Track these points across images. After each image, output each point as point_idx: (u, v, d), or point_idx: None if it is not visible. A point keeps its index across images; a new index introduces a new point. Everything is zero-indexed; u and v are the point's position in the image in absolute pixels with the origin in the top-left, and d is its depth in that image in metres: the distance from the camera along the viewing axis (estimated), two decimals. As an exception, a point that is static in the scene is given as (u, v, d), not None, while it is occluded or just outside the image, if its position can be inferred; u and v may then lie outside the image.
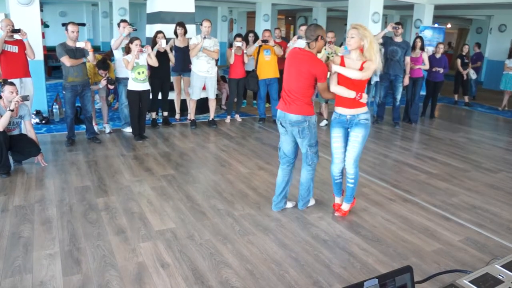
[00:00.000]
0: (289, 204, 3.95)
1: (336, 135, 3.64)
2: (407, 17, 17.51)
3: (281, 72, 6.80)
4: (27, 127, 4.88)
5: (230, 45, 7.58)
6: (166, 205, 3.92)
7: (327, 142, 6.33)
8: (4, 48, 5.46)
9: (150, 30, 7.52)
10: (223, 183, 4.51)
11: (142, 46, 5.72)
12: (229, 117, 7.41)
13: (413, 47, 7.43)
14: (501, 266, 1.37)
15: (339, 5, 14.00)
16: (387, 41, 7.03)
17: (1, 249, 3.07)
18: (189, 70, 6.75)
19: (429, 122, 8.08)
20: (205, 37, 6.39)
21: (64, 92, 5.58)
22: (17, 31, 5.41)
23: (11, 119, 4.63)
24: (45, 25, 13.49)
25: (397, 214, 3.89)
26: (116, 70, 6.31)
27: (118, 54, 6.20)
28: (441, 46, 8.20)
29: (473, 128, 7.99)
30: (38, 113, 6.76)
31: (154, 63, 5.95)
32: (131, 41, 5.67)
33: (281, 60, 7.19)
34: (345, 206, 3.80)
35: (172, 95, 7.01)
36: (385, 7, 9.74)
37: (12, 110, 4.50)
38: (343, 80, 3.46)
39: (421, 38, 7.62)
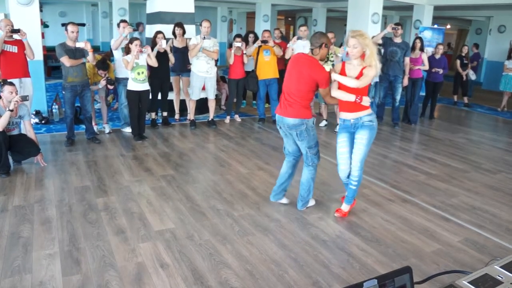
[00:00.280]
0: (285, 200, 4.00)
1: (342, 140, 3.66)
2: (407, 18, 17.52)
3: (280, 72, 6.84)
4: (27, 127, 4.88)
5: (230, 46, 7.57)
6: (166, 205, 3.92)
7: (327, 142, 6.36)
8: (4, 48, 5.46)
9: (150, 30, 7.53)
10: (223, 184, 4.51)
11: (142, 47, 5.73)
12: (228, 117, 7.41)
13: (413, 48, 7.44)
14: (500, 267, 1.37)
15: (339, 6, 14.01)
16: (386, 42, 7.04)
17: (0, 249, 3.07)
18: (188, 71, 6.75)
19: (429, 123, 8.09)
20: (204, 37, 6.40)
21: (63, 92, 5.58)
22: (17, 31, 5.41)
23: (11, 119, 4.63)
24: (44, 25, 13.48)
25: (397, 215, 3.89)
26: (116, 70, 6.31)
27: (117, 54, 6.20)
28: (441, 47, 8.22)
29: (472, 129, 8.00)
30: (37, 113, 6.76)
31: (154, 63, 5.95)
32: (130, 42, 5.67)
33: (280, 61, 7.22)
34: (345, 207, 3.81)
35: (171, 95, 7.01)
36: (385, 8, 9.75)
37: (11, 110, 4.50)
38: (343, 85, 3.48)
39: (420, 38, 7.62)
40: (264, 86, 7.04)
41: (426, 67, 7.57)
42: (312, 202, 3.98)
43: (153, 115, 6.83)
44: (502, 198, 4.40)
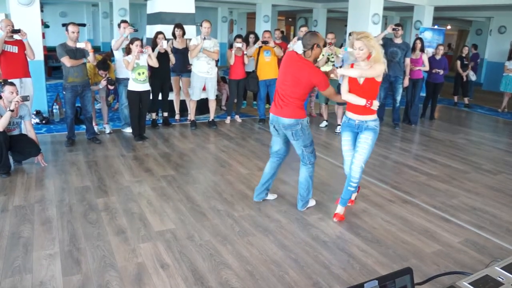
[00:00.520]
0: (270, 196, 4.05)
1: (346, 138, 3.68)
2: (407, 19, 17.52)
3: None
4: (27, 127, 4.89)
5: (230, 46, 7.58)
6: (166, 205, 3.92)
7: (327, 143, 6.36)
8: (4, 49, 5.46)
9: (151, 30, 7.53)
10: (223, 184, 4.51)
11: (142, 47, 5.73)
12: (229, 117, 7.41)
13: (413, 49, 7.44)
14: (501, 268, 1.37)
15: (339, 6, 14.01)
16: (387, 43, 7.04)
17: (1, 249, 3.07)
18: (188, 71, 6.76)
19: (429, 124, 8.09)
20: (205, 38, 6.40)
21: (64, 93, 5.58)
22: (17, 31, 5.42)
23: (11, 119, 4.63)
24: (45, 25, 13.47)
25: (397, 216, 3.89)
26: (116, 70, 6.31)
27: (118, 54, 6.20)
28: (441, 47, 8.22)
29: (473, 129, 7.99)
30: (38, 113, 6.77)
31: (155, 64, 5.96)
32: (131, 42, 5.68)
33: (281, 61, 7.22)
34: (340, 209, 3.75)
35: (171, 96, 7.01)
36: (385, 9, 9.75)
37: (12, 110, 4.51)
38: (354, 88, 3.46)
39: (421, 39, 7.63)
40: (264, 87, 7.05)
41: (427, 67, 7.57)
42: (312, 203, 3.98)
43: (153, 115, 6.83)
44: (503, 199, 4.40)
